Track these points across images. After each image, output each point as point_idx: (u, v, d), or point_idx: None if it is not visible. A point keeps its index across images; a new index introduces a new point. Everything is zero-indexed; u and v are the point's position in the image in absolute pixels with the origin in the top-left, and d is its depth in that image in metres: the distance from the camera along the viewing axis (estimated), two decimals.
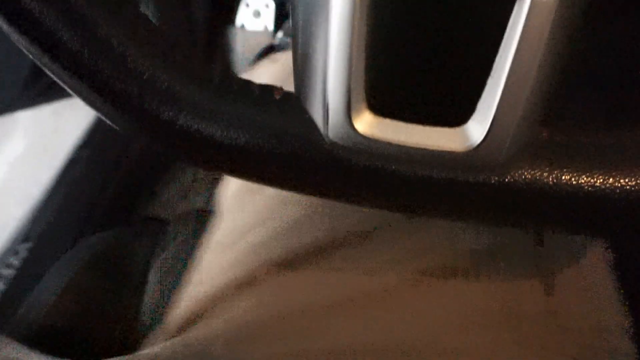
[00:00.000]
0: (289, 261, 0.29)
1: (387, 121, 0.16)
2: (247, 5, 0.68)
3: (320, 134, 0.17)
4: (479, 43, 0.15)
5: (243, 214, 0.35)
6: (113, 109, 0.17)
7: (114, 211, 0.48)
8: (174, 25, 0.62)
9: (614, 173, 0.17)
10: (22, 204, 0.62)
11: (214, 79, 0.17)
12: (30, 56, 0.18)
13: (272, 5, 0.67)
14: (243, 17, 0.68)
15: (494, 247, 0.29)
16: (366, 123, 0.16)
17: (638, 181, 0.17)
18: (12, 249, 0.53)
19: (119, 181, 0.50)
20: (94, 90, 0.17)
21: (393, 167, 0.17)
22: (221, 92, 0.17)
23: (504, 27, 0.15)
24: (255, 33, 0.68)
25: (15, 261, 0.50)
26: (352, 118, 0.16)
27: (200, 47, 0.66)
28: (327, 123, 0.16)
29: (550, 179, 0.17)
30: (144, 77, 0.16)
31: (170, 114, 0.17)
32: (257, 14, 0.68)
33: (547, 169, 0.17)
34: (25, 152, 0.71)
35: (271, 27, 0.67)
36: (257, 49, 0.64)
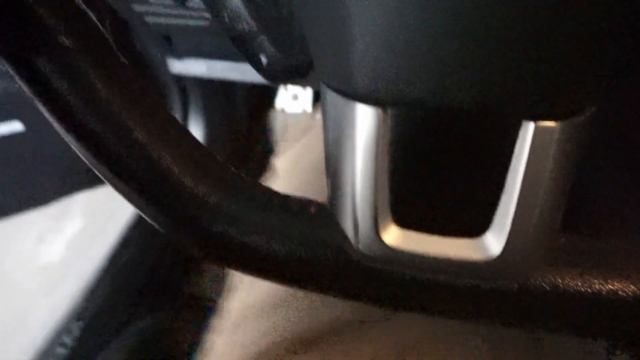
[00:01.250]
0: (300, 345, 0.30)
1: (413, 234, 0.18)
2: (286, 89, 0.73)
3: (351, 246, 0.18)
4: (491, 162, 0.17)
5: (254, 294, 0.36)
6: (173, 229, 0.19)
7: (162, 292, 0.50)
8: (219, 113, 0.67)
9: (631, 278, 0.17)
10: (77, 282, 0.65)
11: (258, 195, 0.19)
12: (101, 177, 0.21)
13: (309, 89, 0.72)
14: (282, 100, 0.72)
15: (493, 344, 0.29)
16: (393, 236, 0.18)
17: None
18: (66, 328, 0.56)
19: (168, 262, 0.52)
20: (155, 210, 0.19)
21: (419, 275, 0.18)
22: (265, 208, 0.19)
23: (512, 148, 0.17)
24: (294, 115, 0.72)
25: (68, 340, 0.52)
26: (380, 232, 0.18)
27: (242, 131, 0.70)
28: (358, 236, 0.18)
29: (569, 285, 0.18)
30: (199, 199, 0.19)
31: (221, 229, 0.19)
32: (295, 97, 0.73)
33: (566, 275, 0.18)
34: (82, 231, 0.76)
35: (309, 109, 0.71)
36: (297, 130, 0.68)
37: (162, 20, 0.45)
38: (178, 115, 0.65)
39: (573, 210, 0.20)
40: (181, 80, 0.64)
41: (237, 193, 0.19)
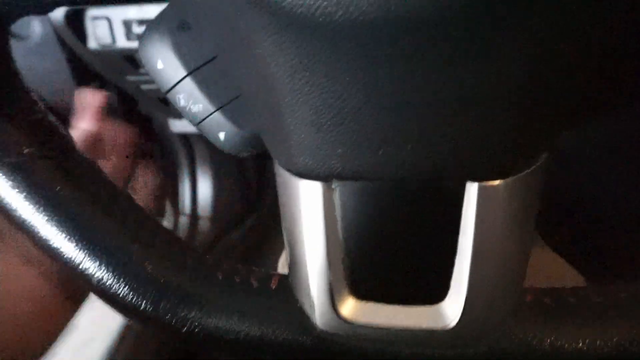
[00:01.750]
0: None
1: (370, 305, 0.18)
2: None
3: (310, 322, 0.18)
4: (441, 226, 0.17)
5: None
6: (133, 313, 0.19)
7: None
8: (226, 164, 0.68)
9: (600, 335, 0.16)
10: None
11: (218, 275, 0.19)
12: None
13: None
14: None
15: None
16: (350, 309, 0.18)
17: (632, 339, 0.16)
18: None
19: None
20: (116, 297, 0.19)
21: (381, 349, 0.18)
22: (225, 289, 0.19)
23: (459, 210, 0.16)
24: None
25: None
26: (336, 305, 0.18)
27: (252, 181, 0.71)
28: (314, 311, 0.18)
29: (538, 344, 0.17)
30: (158, 284, 0.19)
31: (181, 312, 0.19)
32: None
33: (534, 334, 0.17)
34: None
35: None
36: None
37: (154, 86, 0.47)
38: (186, 171, 0.67)
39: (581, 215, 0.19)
40: (187, 137, 0.66)
41: (196, 276, 0.19)
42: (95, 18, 0.40)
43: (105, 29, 0.40)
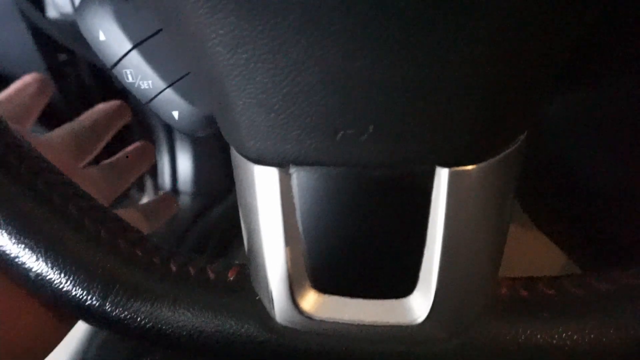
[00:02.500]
0: None
1: (332, 299, 0.16)
2: None
3: (269, 317, 0.17)
4: (409, 216, 0.15)
5: None
6: (84, 309, 0.18)
7: None
8: (206, 145, 0.66)
9: (576, 329, 0.15)
10: None
11: (172, 267, 0.18)
12: None
13: None
14: None
15: None
16: (311, 302, 0.16)
17: (611, 334, 0.15)
18: None
19: None
20: (67, 292, 0.18)
21: (344, 345, 0.16)
22: (179, 281, 0.18)
23: (428, 198, 0.15)
24: None
25: None
26: (297, 299, 0.16)
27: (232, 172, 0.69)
28: (273, 305, 0.16)
29: (512, 339, 0.16)
30: (107, 277, 0.17)
31: (132, 306, 0.18)
32: None
33: (508, 328, 0.16)
34: None
35: None
36: None
37: None
38: (165, 146, 0.65)
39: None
40: None
41: (147, 267, 0.18)
42: None
43: None
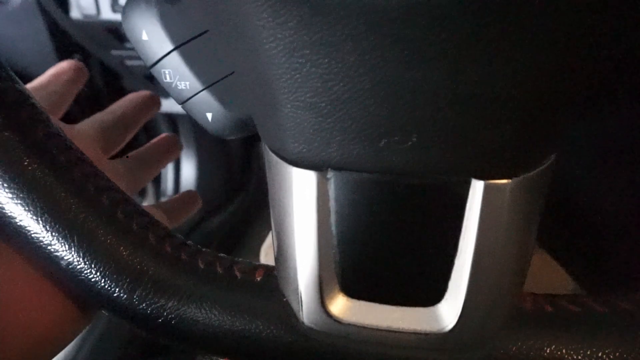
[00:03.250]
0: None
1: (361, 304, 0.17)
2: None
3: (297, 319, 0.17)
4: (442, 225, 0.16)
5: None
6: (110, 303, 0.18)
7: None
8: (211, 144, 0.66)
9: (603, 347, 0.16)
10: None
11: (199, 264, 0.18)
12: None
13: None
14: None
15: None
16: (340, 307, 0.17)
17: (635, 354, 0.16)
18: None
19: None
20: (91, 285, 0.18)
21: (371, 351, 0.17)
22: (206, 279, 0.18)
23: (462, 209, 0.15)
24: None
25: None
26: (325, 303, 0.16)
27: (236, 161, 0.69)
28: (302, 308, 0.17)
29: (537, 352, 0.16)
30: (135, 272, 0.18)
31: (158, 302, 0.18)
32: None
33: (533, 342, 0.16)
34: None
35: None
36: None
37: (140, 62, 0.45)
38: None
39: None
40: (171, 116, 0.64)
41: (175, 263, 0.18)
42: None
43: None
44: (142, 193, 0.71)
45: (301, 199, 0.16)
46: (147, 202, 0.72)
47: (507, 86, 0.13)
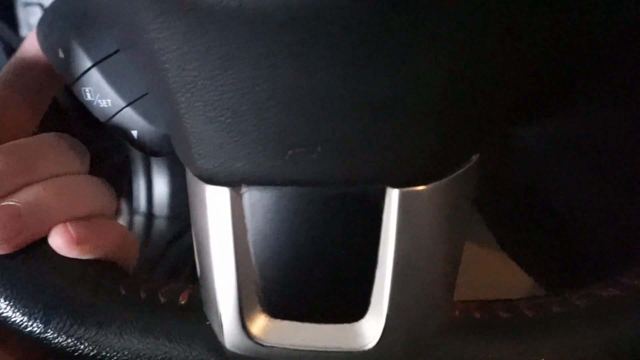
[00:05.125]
0: None
1: (284, 324, 0.16)
2: None
3: (219, 343, 0.16)
4: (360, 237, 0.15)
5: None
6: (25, 334, 0.17)
7: None
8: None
9: (536, 350, 0.15)
10: None
11: (121, 290, 0.17)
12: None
13: None
14: None
15: None
16: (262, 328, 0.16)
17: (564, 358, 0.15)
18: None
19: None
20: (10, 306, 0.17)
21: None
22: (126, 306, 0.17)
23: (379, 219, 0.15)
24: None
25: None
26: (247, 324, 0.16)
27: None
28: (223, 330, 0.16)
29: None
30: (55, 296, 0.17)
31: (77, 330, 0.17)
32: None
33: (461, 353, 0.16)
34: None
35: None
36: None
37: None
38: (141, 168, 0.64)
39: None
40: None
41: (95, 290, 0.17)
42: (27, 4, 0.37)
43: (38, 16, 0.37)
44: (117, 211, 0.70)
45: (216, 217, 0.15)
46: (122, 219, 0.71)
47: (409, 92, 0.13)
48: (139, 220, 0.63)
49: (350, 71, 0.12)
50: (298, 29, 0.12)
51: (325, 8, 0.12)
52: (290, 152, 0.14)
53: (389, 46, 0.12)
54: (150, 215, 0.63)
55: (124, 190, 0.67)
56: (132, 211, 0.68)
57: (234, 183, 0.15)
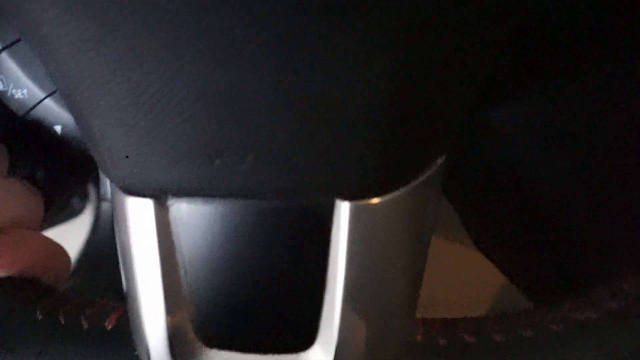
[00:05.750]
0: None
1: (223, 354, 0.14)
2: None
3: None
4: (306, 255, 0.13)
5: None
6: None
7: None
8: None
9: None
10: None
11: (38, 314, 0.15)
12: None
13: None
14: None
15: None
16: (195, 359, 0.14)
17: None
18: None
19: None
20: None
21: None
22: (42, 333, 0.15)
23: (327, 235, 0.13)
24: None
25: None
26: (178, 354, 0.14)
27: None
28: None
29: None
30: None
31: None
32: None
33: None
34: None
35: None
36: None
37: None
38: None
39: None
40: None
41: (7, 315, 0.15)
42: None
43: None
44: (84, 196, 0.68)
45: (139, 233, 0.13)
46: (90, 205, 0.69)
47: (349, 92, 0.10)
48: (106, 206, 0.60)
49: (272, 67, 0.10)
50: (204, 10, 0.09)
51: None
52: (217, 160, 0.12)
53: (321, 36, 0.09)
54: None
55: (91, 175, 0.64)
56: (100, 197, 0.65)
57: (157, 194, 0.13)
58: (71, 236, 0.49)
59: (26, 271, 0.17)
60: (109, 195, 0.65)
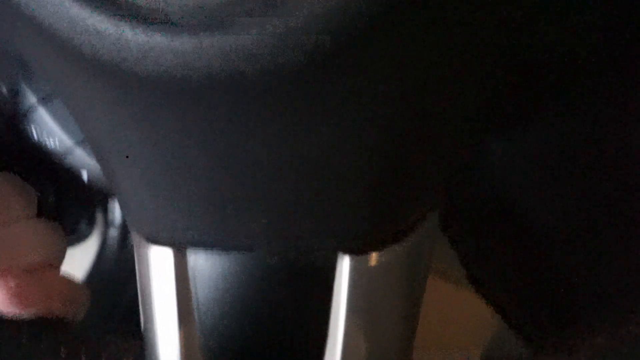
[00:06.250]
0: None
1: None
2: None
3: None
4: (310, 306, 0.14)
5: None
6: None
7: None
8: None
9: None
10: None
11: (62, 352, 0.16)
12: None
13: None
14: None
15: None
16: None
17: None
18: None
19: None
20: None
21: None
22: None
23: (330, 287, 0.14)
24: None
25: None
26: None
27: None
28: None
29: None
30: None
31: None
32: None
33: None
34: None
35: None
36: None
37: None
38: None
39: None
40: None
41: (32, 351, 0.16)
42: None
43: None
44: (92, 222, 0.69)
45: (160, 278, 0.14)
46: (97, 231, 0.70)
47: (342, 156, 0.12)
48: (113, 232, 0.62)
49: (280, 140, 0.11)
50: (208, 92, 0.11)
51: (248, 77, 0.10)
52: (233, 218, 0.13)
53: (313, 110, 0.11)
54: (124, 227, 0.62)
55: (100, 201, 0.65)
56: (107, 223, 0.66)
57: (177, 245, 0.14)
58: (77, 260, 0.49)
59: (50, 311, 0.18)
60: (116, 222, 0.66)
